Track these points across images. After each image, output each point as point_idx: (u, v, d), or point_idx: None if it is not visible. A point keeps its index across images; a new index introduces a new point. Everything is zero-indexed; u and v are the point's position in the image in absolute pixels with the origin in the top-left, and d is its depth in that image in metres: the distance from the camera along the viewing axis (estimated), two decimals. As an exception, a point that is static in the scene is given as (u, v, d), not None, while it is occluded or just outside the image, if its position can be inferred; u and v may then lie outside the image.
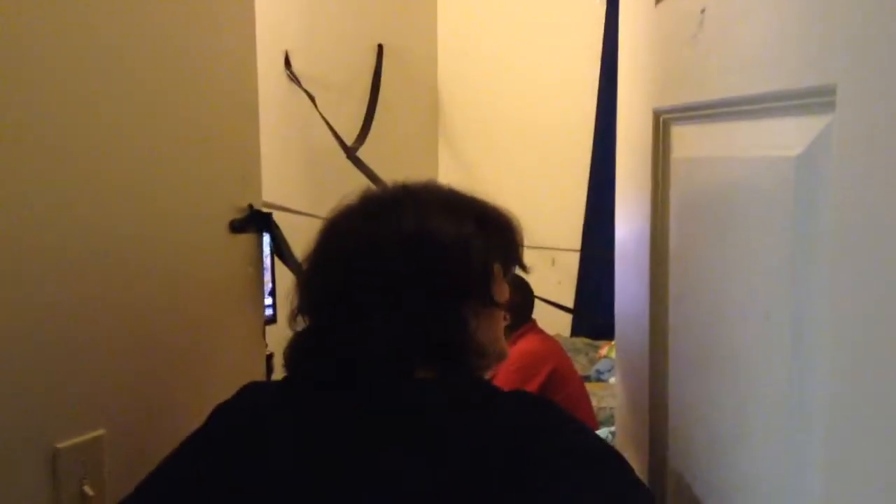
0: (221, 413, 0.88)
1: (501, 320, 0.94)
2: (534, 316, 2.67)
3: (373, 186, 1.00)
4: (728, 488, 0.73)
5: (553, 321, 3.52)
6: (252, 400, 0.89)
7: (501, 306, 0.91)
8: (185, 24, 1.05)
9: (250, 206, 1.14)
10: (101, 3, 0.94)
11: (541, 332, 2.63)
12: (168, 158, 1.03)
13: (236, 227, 1.12)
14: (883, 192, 0.51)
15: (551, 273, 3.99)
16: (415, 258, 0.84)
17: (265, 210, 1.18)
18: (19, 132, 0.86)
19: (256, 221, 1.14)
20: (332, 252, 0.89)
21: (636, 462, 0.95)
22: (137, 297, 1.00)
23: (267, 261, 1.22)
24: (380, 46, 3.41)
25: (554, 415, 0.82)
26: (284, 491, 0.80)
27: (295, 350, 0.89)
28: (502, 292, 0.91)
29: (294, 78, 2.93)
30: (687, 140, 0.80)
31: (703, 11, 0.75)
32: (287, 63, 2.92)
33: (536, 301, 2.75)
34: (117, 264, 0.98)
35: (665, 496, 0.88)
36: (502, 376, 2.45)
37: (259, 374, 1.19)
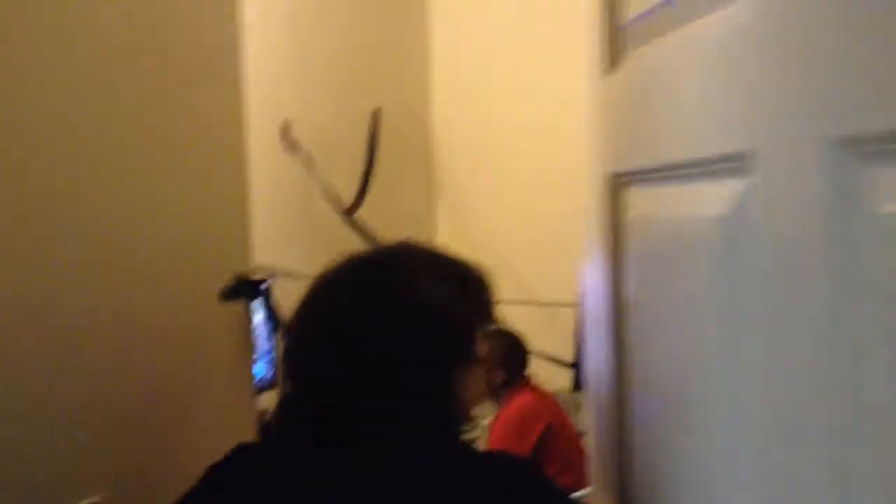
0: (212, 473, 0.92)
1: (484, 377, 0.99)
2: (534, 373, 2.69)
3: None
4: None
5: (553, 377, 3.53)
6: (241, 460, 0.93)
7: (484, 363, 0.96)
8: (175, 93, 1.11)
9: (238, 275, 1.20)
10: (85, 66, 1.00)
11: (536, 388, 2.65)
12: (158, 229, 1.09)
13: (226, 295, 1.17)
14: (795, 250, 0.56)
15: (550, 329, 4.01)
16: (403, 323, 0.88)
17: (259, 276, 1.23)
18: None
19: (245, 288, 1.20)
20: (317, 316, 0.93)
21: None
22: (130, 367, 1.05)
23: (265, 325, 1.27)
24: (376, 111, 3.51)
25: (528, 477, 0.87)
26: None
27: (282, 413, 0.94)
28: (483, 350, 0.96)
29: (291, 146, 3.03)
30: (638, 201, 0.86)
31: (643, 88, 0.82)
32: (285, 131, 3.02)
33: (536, 358, 2.77)
34: (107, 339, 1.02)
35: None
36: (497, 433, 2.47)
37: (249, 437, 1.23)
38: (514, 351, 2.61)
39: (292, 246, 2.92)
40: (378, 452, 0.85)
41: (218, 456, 0.94)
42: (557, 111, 3.85)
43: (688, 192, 0.73)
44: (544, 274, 3.60)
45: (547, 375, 3.10)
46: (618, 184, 0.88)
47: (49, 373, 0.95)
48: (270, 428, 0.94)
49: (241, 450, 0.95)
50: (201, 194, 1.16)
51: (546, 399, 2.63)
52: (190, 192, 1.14)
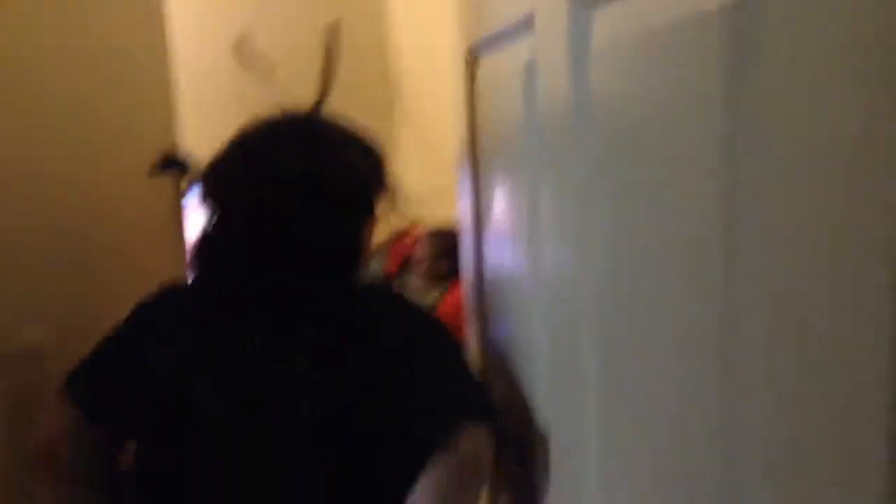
0: (141, 307, 1.08)
1: (374, 229, 1.16)
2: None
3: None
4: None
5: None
6: (166, 296, 1.09)
7: (377, 218, 1.12)
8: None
9: (166, 151, 1.35)
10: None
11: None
12: (90, 110, 1.23)
13: (155, 170, 1.33)
14: (555, 81, 0.73)
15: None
16: (316, 178, 1.02)
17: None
18: None
19: (174, 163, 1.35)
20: (239, 167, 1.05)
21: (474, 337, 1.17)
22: (74, 234, 1.21)
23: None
24: (333, 24, 3.59)
25: (396, 295, 1.05)
26: (186, 368, 1.00)
27: (199, 253, 1.10)
28: (377, 206, 1.11)
29: (247, 61, 3.12)
30: (482, 69, 1.02)
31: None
32: (239, 45, 3.11)
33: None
34: (55, 200, 1.18)
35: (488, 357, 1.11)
36: (445, 313, 2.67)
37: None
38: (454, 247, 2.80)
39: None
40: (289, 294, 1.01)
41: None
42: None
43: (507, 54, 0.89)
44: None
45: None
46: (471, 58, 1.04)
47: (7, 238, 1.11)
48: (192, 268, 1.11)
49: (168, 288, 1.12)
50: (126, 80, 1.29)
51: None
52: (115, 77, 1.27)
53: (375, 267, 3.25)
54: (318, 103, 3.59)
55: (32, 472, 1.06)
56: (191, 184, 1.41)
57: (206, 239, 1.07)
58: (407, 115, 4.27)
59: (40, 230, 1.16)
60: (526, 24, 0.80)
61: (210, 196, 1.06)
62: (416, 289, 3.07)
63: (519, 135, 0.85)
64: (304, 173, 1.03)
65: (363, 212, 1.08)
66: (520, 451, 0.98)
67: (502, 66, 0.92)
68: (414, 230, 3.44)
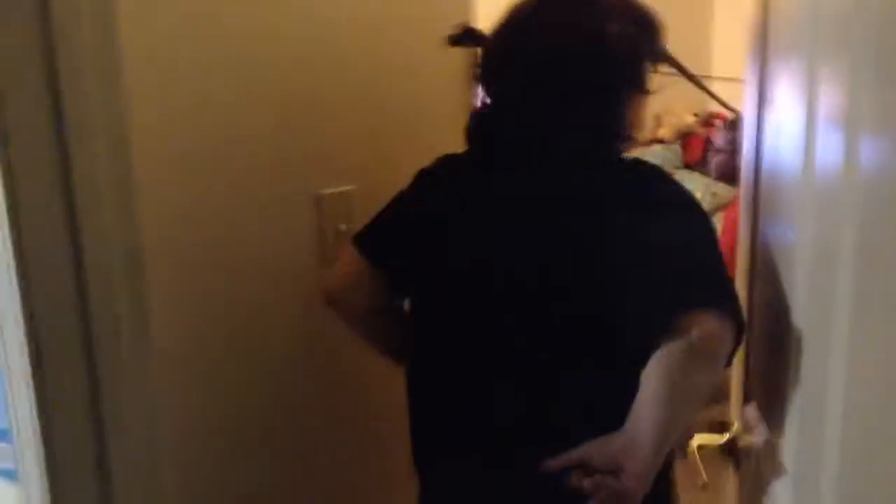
0: (422, 175, 1.22)
1: (645, 107, 1.15)
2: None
3: None
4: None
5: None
6: (444, 164, 1.21)
7: (647, 95, 1.11)
8: None
9: (463, 23, 1.41)
10: None
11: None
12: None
13: (451, 40, 1.40)
14: None
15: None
16: (591, 55, 1.05)
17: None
18: None
19: (468, 36, 1.41)
20: (514, 42, 1.11)
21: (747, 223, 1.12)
22: (374, 93, 1.35)
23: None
24: None
25: (658, 172, 1.06)
26: (463, 226, 1.12)
27: (474, 128, 1.18)
28: (649, 81, 1.11)
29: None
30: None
31: None
32: None
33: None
34: (357, 66, 1.32)
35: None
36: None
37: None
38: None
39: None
40: (552, 169, 1.06)
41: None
42: None
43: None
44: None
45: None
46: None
47: (315, 90, 1.28)
48: (468, 141, 1.19)
49: (446, 159, 1.23)
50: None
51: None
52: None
53: (672, 157, 3.13)
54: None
55: (329, 305, 1.26)
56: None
57: (480, 114, 1.14)
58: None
59: (344, 97, 1.31)
60: None
61: (485, 72, 1.13)
62: (707, 183, 2.90)
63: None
64: (576, 50, 1.04)
65: (630, 84, 1.07)
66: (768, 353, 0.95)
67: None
68: (719, 116, 3.22)
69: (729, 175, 2.59)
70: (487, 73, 1.15)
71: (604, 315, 0.99)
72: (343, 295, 1.23)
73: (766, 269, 1.00)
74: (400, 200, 1.21)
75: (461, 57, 1.44)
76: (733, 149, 2.60)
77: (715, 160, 2.62)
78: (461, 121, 1.48)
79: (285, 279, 1.30)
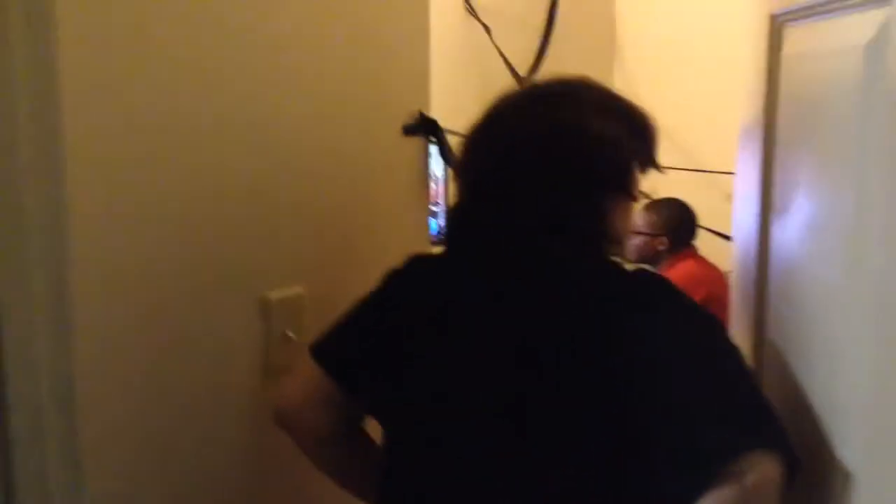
0: (392, 277, 1.08)
1: (632, 213, 1.08)
2: (706, 250, 2.71)
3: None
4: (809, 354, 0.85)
5: (728, 258, 3.49)
6: (415, 266, 1.08)
7: (635, 199, 1.04)
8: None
9: (420, 113, 1.34)
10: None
11: (701, 258, 2.68)
12: (350, 69, 1.24)
13: (407, 130, 1.32)
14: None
15: (726, 209, 3.94)
16: (569, 148, 0.96)
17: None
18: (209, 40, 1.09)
19: (425, 126, 1.34)
20: (491, 134, 1.02)
21: (745, 341, 1.06)
22: (326, 187, 1.23)
23: (439, 174, 1.42)
24: (555, -21, 3.47)
25: (666, 286, 0.95)
26: (444, 336, 0.98)
27: (449, 224, 1.08)
28: (637, 187, 1.03)
29: (472, 11, 3.09)
30: (792, 39, 0.89)
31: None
32: (466, -3, 3.08)
33: (708, 235, 2.77)
34: (311, 158, 1.20)
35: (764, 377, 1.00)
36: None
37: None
38: (681, 218, 2.64)
39: (468, 107, 3.04)
40: (536, 264, 0.95)
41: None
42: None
43: (837, 25, 0.76)
44: (723, 152, 3.50)
45: (720, 255, 3.09)
46: (775, 24, 0.92)
47: (261, 183, 1.15)
48: (442, 235, 1.09)
49: (416, 258, 1.11)
50: (385, 40, 1.29)
51: (709, 269, 2.65)
52: (373, 39, 1.27)
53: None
54: (538, 57, 3.51)
55: (280, 427, 1.09)
56: (440, 146, 1.39)
57: (456, 210, 1.04)
58: (627, 73, 4.09)
59: (293, 190, 1.19)
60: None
61: (461, 166, 1.04)
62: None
63: (853, 116, 0.72)
64: (553, 143, 0.96)
65: (613, 184, 0.99)
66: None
67: (827, 39, 0.79)
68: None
69: (648, 258, 2.60)
70: (466, 164, 1.06)
71: (619, 455, 0.85)
72: (299, 415, 1.06)
73: (784, 376, 0.93)
74: (366, 305, 1.07)
75: (417, 148, 1.36)
76: (653, 232, 2.63)
77: (633, 242, 2.63)
78: (418, 217, 1.40)
79: (227, 390, 1.14)
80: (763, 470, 0.76)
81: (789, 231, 0.91)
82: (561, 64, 3.45)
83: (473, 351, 0.95)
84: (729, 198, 3.85)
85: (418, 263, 1.09)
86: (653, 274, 0.98)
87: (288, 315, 1.21)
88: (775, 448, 0.78)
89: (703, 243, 2.83)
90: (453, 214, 1.07)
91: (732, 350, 0.86)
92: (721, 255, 3.12)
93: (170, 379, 1.05)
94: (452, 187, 1.13)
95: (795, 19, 0.87)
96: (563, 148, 0.97)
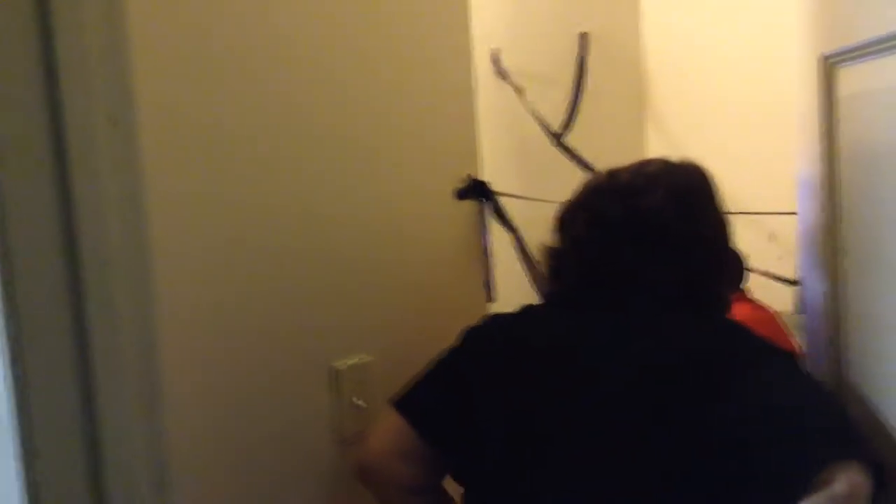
0: (470, 333, 1.11)
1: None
2: (758, 296, 2.67)
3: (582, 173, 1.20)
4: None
5: (777, 298, 3.44)
6: (496, 325, 1.11)
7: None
8: (410, 24, 1.29)
9: (470, 176, 1.36)
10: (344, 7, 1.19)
11: (752, 301, 2.63)
12: (406, 135, 1.27)
13: (460, 194, 1.35)
14: None
15: (771, 249, 3.89)
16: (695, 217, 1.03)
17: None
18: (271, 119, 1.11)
19: (476, 189, 1.36)
20: (588, 205, 1.07)
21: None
22: (387, 255, 1.25)
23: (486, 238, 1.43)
24: (583, 35, 3.54)
25: (756, 338, 0.97)
26: (529, 389, 0.99)
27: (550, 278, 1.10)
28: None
29: (502, 73, 3.16)
30: (849, 80, 0.89)
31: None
32: (495, 61, 3.16)
33: (758, 278, 2.74)
34: (374, 224, 1.23)
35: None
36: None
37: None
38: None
39: (507, 168, 3.08)
40: (654, 323, 0.98)
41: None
42: (768, 35, 3.66)
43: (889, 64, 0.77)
44: (763, 199, 3.49)
45: (771, 295, 3.05)
46: (828, 65, 0.92)
47: (326, 254, 1.17)
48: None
49: (494, 316, 1.13)
50: (437, 112, 1.33)
51: (762, 311, 2.61)
52: (428, 112, 1.31)
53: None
54: (570, 115, 3.54)
55: (362, 483, 1.11)
56: (494, 207, 1.41)
57: (554, 264, 1.09)
58: (658, 126, 4.12)
59: (357, 258, 1.21)
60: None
61: (560, 230, 1.09)
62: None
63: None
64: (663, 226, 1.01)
65: (715, 268, 1.06)
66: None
67: (889, 78, 0.80)
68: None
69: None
70: (561, 231, 1.10)
71: (718, 494, 0.86)
72: (383, 467, 1.08)
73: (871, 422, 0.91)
74: (446, 360, 1.09)
75: (470, 211, 1.38)
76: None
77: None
78: (475, 280, 1.41)
79: (300, 460, 1.15)
80: (850, 478, 0.78)
81: (866, 281, 0.90)
82: (593, 121, 3.50)
83: (578, 408, 0.96)
84: (772, 237, 3.85)
85: (497, 321, 1.12)
86: (742, 327, 0.99)
87: (356, 383, 1.22)
88: (861, 458, 0.80)
89: (753, 284, 2.80)
90: (558, 271, 1.10)
91: (812, 379, 0.91)
92: (770, 294, 3.08)
93: (246, 451, 1.07)
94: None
95: (849, 60, 0.88)
96: (676, 219, 1.02)
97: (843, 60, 0.90)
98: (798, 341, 2.59)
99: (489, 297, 1.61)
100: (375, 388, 1.22)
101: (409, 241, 1.29)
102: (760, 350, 0.93)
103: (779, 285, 3.65)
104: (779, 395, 0.87)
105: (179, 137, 0.97)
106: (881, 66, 0.82)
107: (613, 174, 1.08)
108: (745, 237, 3.34)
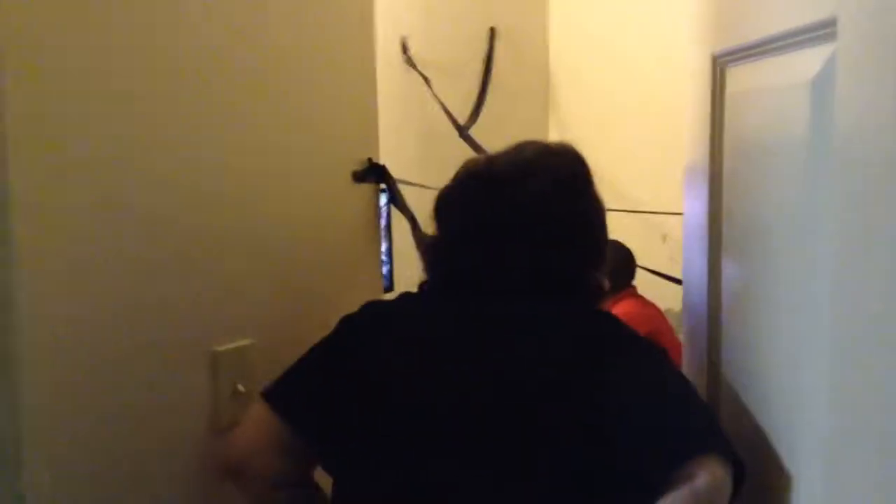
0: (346, 322, 1.07)
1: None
2: (649, 294, 2.76)
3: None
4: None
5: (666, 295, 3.57)
6: (371, 311, 1.08)
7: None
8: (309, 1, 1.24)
9: (369, 159, 1.33)
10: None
11: (640, 297, 2.72)
12: (301, 117, 1.23)
13: (357, 177, 1.31)
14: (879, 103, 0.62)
15: (663, 249, 4.03)
16: (560, 208, 1.01)
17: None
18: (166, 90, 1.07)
19: (374, 173, 1.33)
20: (483, 192, 1.03)
21: (700, 374, 1.07)
22: (276, 235, 1.21)
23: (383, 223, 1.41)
24: (492, 29, 3.56)
25: (627, 331, 0.98)
26: (404, 379, 0.97)
27: (431, 271, 1.08)
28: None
29: (410, 62, 3.13)
30: (735, 79, 0.92)
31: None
32: (404, 48, 3.13)
33: (649, 276, 2.83)
34: (260, 207, 1.18)
35: (719, 402, 1.01)
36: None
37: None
38: (622, 260, 2.69)
39: (411, 156, 3.06)
40: (517, 314, 0.97)
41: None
42: (669, 36, 3.78)
43: (782, 63, 0.79)
44: (659, 196, 3.60)
45: (657, 293, 3.15)
46: (718, 65, 0.95)
47: (211, 239, 1.12)
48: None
49: (372, 303, 1.10)
50: (336, 93, 1.29)
51: (648, 307, 2.70)
52: (326, 92, 1.27)
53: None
54: (476, 107, 3.55)
55: (228, 478, 1.06)
56: (390, 192, 1.39)
57: (429, 256, 1.07)
58: (561, 123, 4.19)
59: (240, 240, 1.16)
60: (817, 31, 0.70)
61: (437, 219, 1.06)
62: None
63: (799, 158, 0.75)
64: (547, 203, 1.00)
65: (591, 256, 1.05)
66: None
67: (772, 77, 0.82)
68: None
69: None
70: (438, 220, 1.07)
71: (583, 476, 0.86)
72: (249, 462, 1.02)
73: (739, 408, 0.94)
74: (320, 350, 1.05)
75: (367, 195, 1.35)
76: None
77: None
78: (370, 265, 1.38)
79: (177, 446, 1.09)
80: (711, 472, 0.79)
81: (741, 269, 0.93)
82: (498, 114, 3.52)
83: (446, 399, 0.94)
84: (665, 238, 3.96)
85: (374, 309, 1.08)
86: (614, 320, 1.00)
87: (237, 368, 1.17)
88: (721, 453, 0.81)
89: (643, 282, 2.89)
90: (434, 264, 1.07)
91: (677, 375, 0.92)
92: (659, 293, 3.19)
93: (117, 436, 1.01)
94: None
95: (737, 59, 0.90)
96: (558, 206, 1.01)
97: (732, 60, 0.92)
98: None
99: (389, 285, 1.58)
100: (258, 372, 1.17)
101: (301, 224, 1.25)
102: (627, 344, 0.94)
103: (669, 284, 3.78)
104: (642, 389, 0.87)
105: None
106: (762, 67, 0.84)
107: (491, 160, 1.06)
108: (638, 237, 3.47)
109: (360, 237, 1.34)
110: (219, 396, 1.15)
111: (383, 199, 1.40)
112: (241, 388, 1.17)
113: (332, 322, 1.11)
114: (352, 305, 1.14)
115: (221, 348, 1.14)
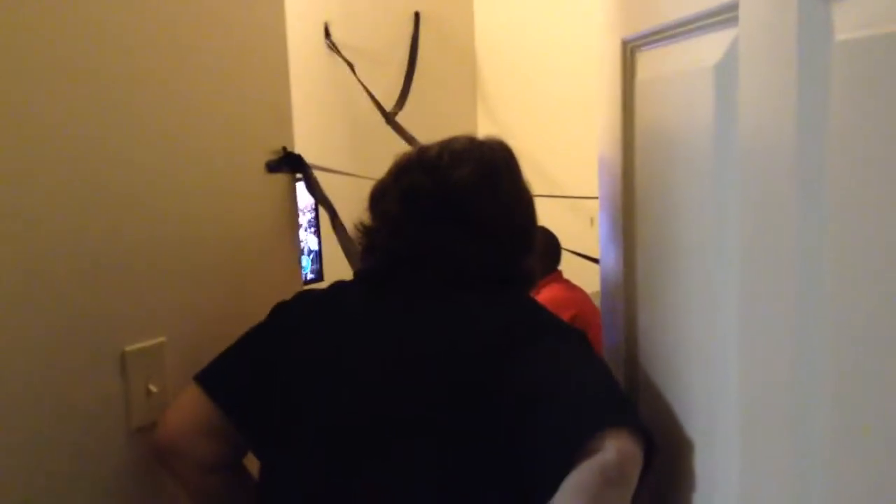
0: (280, 309, 1.08)
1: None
2: (576, 278, 2.79)
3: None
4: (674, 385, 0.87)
5: (593, 279, 3.63)
6: (303, 300, 1.09)
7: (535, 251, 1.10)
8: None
9: (283, 149, 1.30)
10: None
11: (566, 281, 2.75)
12: (208, 108, 1.18)
13: (271, 167, 1.27)
14: (777, 88, 0.62)
15: (591, 232, 4.09)
16: (502, 207, 1.03)
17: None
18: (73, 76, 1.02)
19: (289, 162, 1.30)
20: (411, 183, 1.04)
21: (618, 354, 1.08)
22: (186, 231, 1.16)
23: (309, 218, 1.38)
24: (416, 14, 3.53)
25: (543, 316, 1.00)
26: (333, 364, 0.98)
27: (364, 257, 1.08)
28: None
29: (334, 47, 3.08)
30: (645, 64, 0.92)
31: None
32: (327, 33, 3.07)
33: (577, 261, 2.86)
34: (169, 202, 1.14)
35: (637, 385, 1.02)
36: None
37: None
38: (548, 245, 2.71)
39: (336, 143, 3.01)
40: (440, 304, 0.98)
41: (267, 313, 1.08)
42: (591, 20, 3.81)
43: (687, 48, 0.79)
44: (586, 180, 3.64)
45: (584, 277, 3.20)
46: (628, 49, 0.95)
47: (113, 234, 1.07)
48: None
49: (304, 293, 1.11)
50: (247, 79, 1.24)
51: (574, 291, 2.74)
52: (236, 78, 1.22)
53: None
54: (403, 94, 3.53)
55: (159, 462, 1.06)
56: (307, 181, 1.35)
57: (363, 245, 1.08)
58: (488, 108, 4.19)
59: (150, 234, 1.11)
60: (721, 15, 0.71)
61: (371, 210, 1.08)
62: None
63: (705, 142, 0.75)
64: (470, 192, 1.01)
65: (522, 244, 1.07)
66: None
67: (678, 63, 0.82)
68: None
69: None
70: (372, 211, 1.08)
71: (502, 454, 0.87)
72: (179, 443, 1.03)
73: (651, 384, 0.95)
74: (253, 336, 1.06)
75: (283, 185, 1.31)
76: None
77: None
78: (287, 256, 1.34)
79: (91, 450, 1.05)
80: (621, 445, 0.79)
81: (654, 256, 0.93)
82: (426, 99, 3.50)
83: (362, 392, 0.95)
84: (593, 221, 4.01)
85: (306, 297, 1.10)
86: (532, 306, 1.01)
87: (149, 367, 1.13)
88: (632, 426, 0.82)
89: (571, 265, 2.92)
90: (367, 252, 1.08)
91: (591, 357, 0.93)
92: (588, 276, 3.24)
93: (25, 444, 0.97)
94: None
95: (646, 44, 0.91)
96: (500, 203, 1.03)
97: (642, 45, 0.92)
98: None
99: (317, 277, 1.55)
100: (172, 371, 1.13)
101: (213, 218, 1.21)
102: (542, 331, 0.95)
103: (596, 267, 3.81)
104: (553, 373, 0.88)
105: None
106: (669, 53, 0.84)
107: (422, 150, 1.08)
108: (567, 221, 3.50)
109: (276, 228, 1.31)
110: (130, 397, 1.10)
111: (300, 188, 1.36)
112: (153, 388, 1.13)
113: (249, 315, 1.10)
114: (268, 298, 1.12)
115: (131, 348, 1.10)
